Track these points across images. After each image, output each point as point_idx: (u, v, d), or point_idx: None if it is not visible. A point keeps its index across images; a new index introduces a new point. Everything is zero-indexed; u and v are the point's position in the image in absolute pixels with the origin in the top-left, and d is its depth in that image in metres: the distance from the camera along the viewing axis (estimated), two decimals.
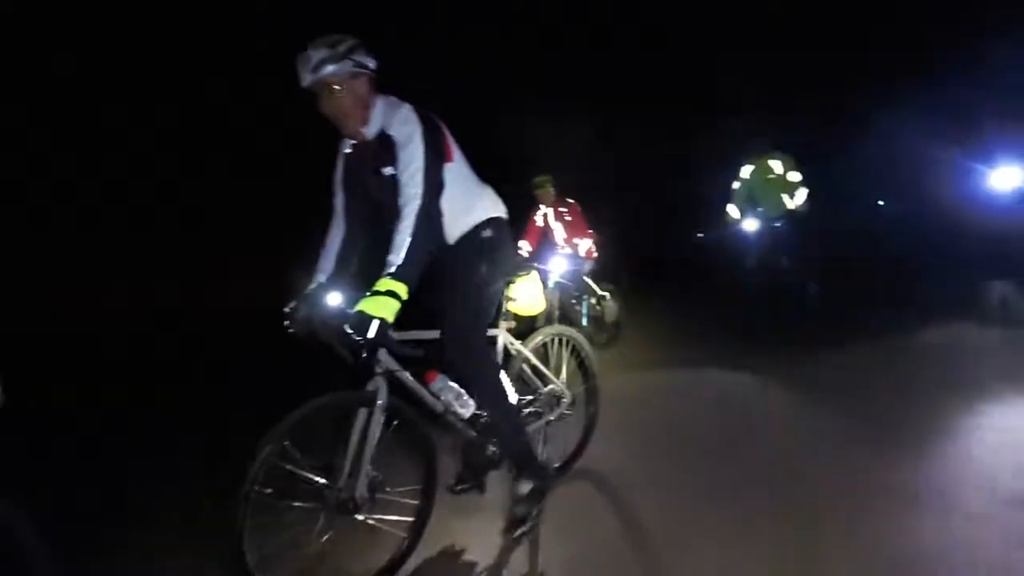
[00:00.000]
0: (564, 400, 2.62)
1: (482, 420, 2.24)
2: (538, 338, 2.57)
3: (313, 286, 2.10)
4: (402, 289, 1.78)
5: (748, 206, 5.87)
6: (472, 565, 2.05)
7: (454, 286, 2.11)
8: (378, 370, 1.91)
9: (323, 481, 1.84)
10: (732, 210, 5.93)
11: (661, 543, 2.06)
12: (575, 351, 2.76)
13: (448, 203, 2.04)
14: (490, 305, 2.22)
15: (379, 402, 1.89)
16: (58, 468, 3.33)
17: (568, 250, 5.56)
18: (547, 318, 3.48)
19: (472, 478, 2.23)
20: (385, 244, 1.89)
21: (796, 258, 5.71)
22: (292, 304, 2.02)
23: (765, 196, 5.79)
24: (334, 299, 1.98)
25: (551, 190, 5.57)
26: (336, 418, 1.88)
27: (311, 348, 2.00)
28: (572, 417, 2.66)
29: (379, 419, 1.88)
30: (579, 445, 2.72)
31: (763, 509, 2.19)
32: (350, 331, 1.73)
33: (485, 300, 2.17)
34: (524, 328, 2.61)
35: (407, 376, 2.01)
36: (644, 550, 2.06)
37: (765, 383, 3.92)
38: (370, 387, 1.90)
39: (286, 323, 2.03)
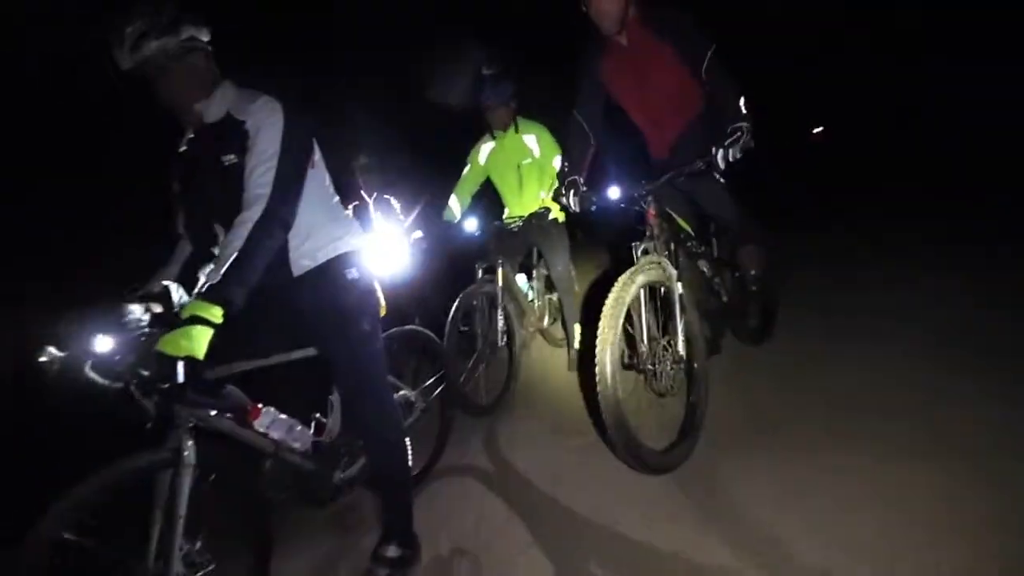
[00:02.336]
0: (416, 405, 2.44)
1: (326, 444, 1.99)
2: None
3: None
4: (216, 313, 1.44)
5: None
6: None
7: (339, 339, 1.83)
8: (181, 422, 1.55)
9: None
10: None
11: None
12: (423, 350, 2.59)
13: (301, 220, 1.71)
14: (381, 352, 1.96)
15: (185, 458, 1.54)
16: None
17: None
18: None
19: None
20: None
21: None
22: (47, 354, 1.51)
23: None
24: (103, 344, 1.51)
25: None
26: (134, 487, 1.50)
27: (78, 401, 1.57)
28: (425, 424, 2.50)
29: (187, 480, 1.54)
30: (435, 451, 2.58)
31: None
32: (150, 377, 1.39)
33: (374, 352, 1.92)
34: None
35: (224, 420, 1.68)
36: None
37: None
38: (171, 443, 1.54)
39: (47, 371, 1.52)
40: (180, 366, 1.37)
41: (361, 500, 2.31)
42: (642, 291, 2.14)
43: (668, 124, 2.58)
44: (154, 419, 1.54)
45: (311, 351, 1.93)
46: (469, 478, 2.49)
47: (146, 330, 1.53)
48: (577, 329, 3.45)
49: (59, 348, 1.51)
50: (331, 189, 1.92)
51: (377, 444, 1.95)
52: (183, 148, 1.82)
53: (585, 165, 2.54)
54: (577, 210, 2.44)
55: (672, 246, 2.32)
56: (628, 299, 2.02)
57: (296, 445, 1.89)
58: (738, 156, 2.08)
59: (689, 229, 2.60)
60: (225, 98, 1.72)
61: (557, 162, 3.31)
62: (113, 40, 1.58)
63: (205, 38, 1.72)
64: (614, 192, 2.38)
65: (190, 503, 1.54)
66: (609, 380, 1.91)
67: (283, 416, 1.85)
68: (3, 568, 1.32)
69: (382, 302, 2.12)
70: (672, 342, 2.19)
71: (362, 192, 3.84)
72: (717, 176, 2.47)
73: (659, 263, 2.20)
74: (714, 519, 1.82)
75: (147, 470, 1.52)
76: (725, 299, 2.78)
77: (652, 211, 2.29)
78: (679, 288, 2.20)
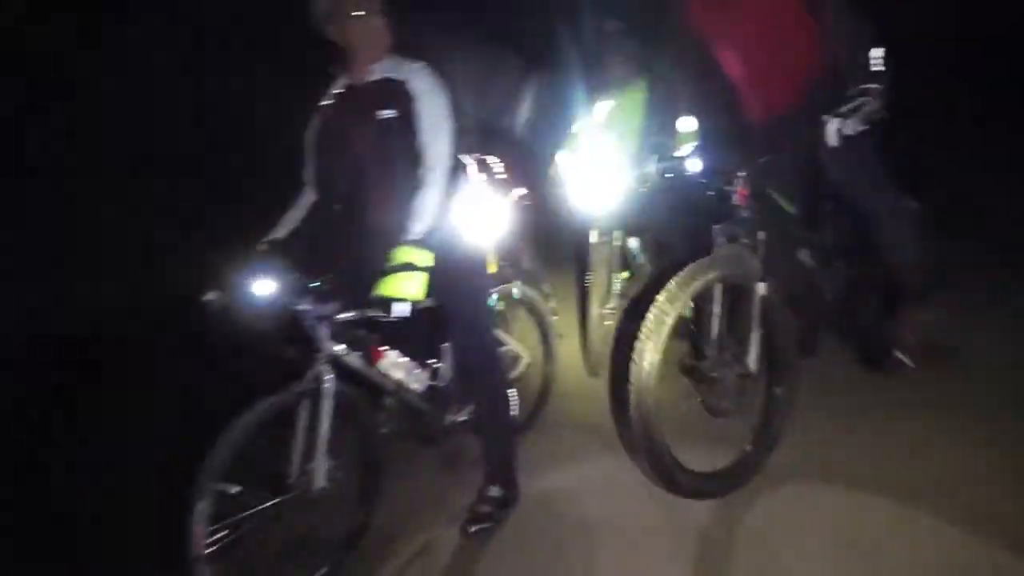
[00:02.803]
0: (521, 360, 2.58)
1: (439, 388, 2.18)
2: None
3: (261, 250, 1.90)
4: (426, 258, 1.70)
5: None
6: (423, 551, 2.02)
7: (452, 293, 1.98)
8: (321, 357, 1.78)
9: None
10: None
11: None
12: (531, 307, 2.70)
13: None
14: (486, 301, 2.13)
15: (325, 389, 1.78)
16: None
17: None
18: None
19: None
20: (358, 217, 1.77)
21: None
22: (214, 294, 1.80)
23: None
24: (264, 287, 1.75)
25: None
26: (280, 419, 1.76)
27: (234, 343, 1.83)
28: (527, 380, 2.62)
29: (328, 408, 1.78)
30: (536, 405, 2.72)
31: None
32: (382, 316, 1.67)
33: (482, 305, 2.08)
34: None
35: (353, 359, 1.89)
36: None
37: None
38: (311, 377, 1.78)
39: (210, 313, 1.81)
40: (404, 308, 1.64)
41: (471, 444, 2.48)
42: (716, 287, 1.83)
43: (773, 80, 2.07)
44: (297, 356, 1.79)
45: (429, 302, 2.11)
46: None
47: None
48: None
49: (222, 291, 1.79)
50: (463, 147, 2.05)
51: (483, 392, 2.10)
52: (327, 102, 1.97)
53: (670, 126, 2.24)
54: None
55: (764, 233, 1.92)
56: (690, 293, 1.75)
57: (413, 386, 2.09)
58: (859, 129, 1.71)
59: (791, 209, 2.14)
60: (385, 64, 1.88)
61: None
62: None
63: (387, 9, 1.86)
64: (694, 164, 1.90)
65: (329, 430, 1.78)
66: (644, 383, 1.69)
67: (403, 359, 2.05)
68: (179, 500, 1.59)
69: (491, 260, 2.26)
70: (743, 352, 1.86)
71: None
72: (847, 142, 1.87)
73: (740, 255, 1.87)
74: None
75: (294, 400, 1.77)
76: (830, 297, 2.35)
77: (743, 191, 1.87)
78: (762, 289, 1.86)
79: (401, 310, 1.67)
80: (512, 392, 2.17)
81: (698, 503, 1.88)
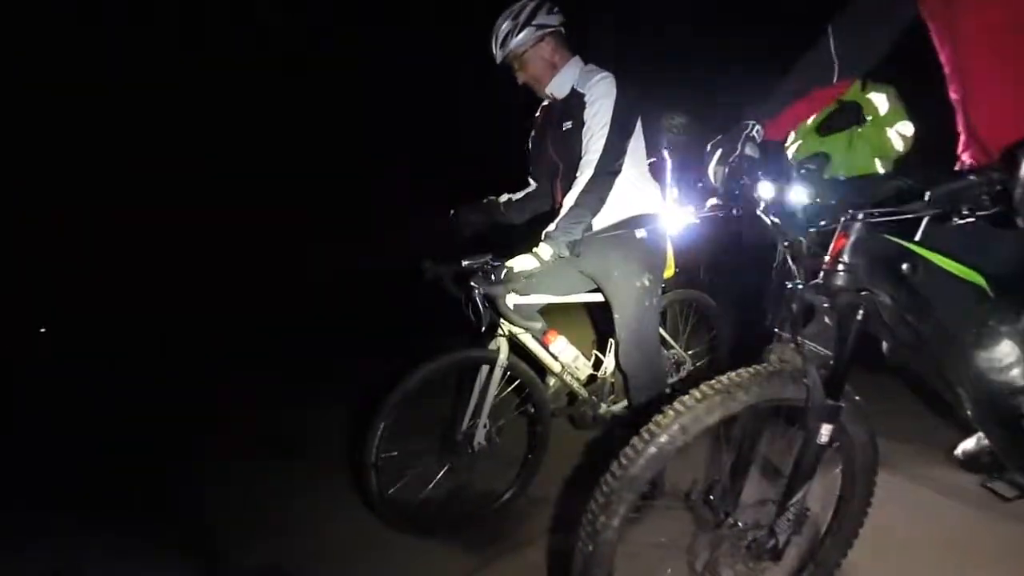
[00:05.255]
0: (684, 366, 2.57)
1: (600, 378, 2.28)
2: (663, 301, 2.49)
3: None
4: (545, 252, 1.84)
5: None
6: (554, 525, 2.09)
7: (621, 290, 2.08)
8: (501, 332, 1.98)
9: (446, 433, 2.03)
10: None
11: None
12: (701, 315, 2.66)
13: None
14: (657, 308, 2.15)
15: (500, 359, 1.98)
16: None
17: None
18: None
19: None
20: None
21: None
22: (428, 263, 2.09)
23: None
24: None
25: None
26: (460, 373, 2.02)
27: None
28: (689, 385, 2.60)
29: (498, 377, 1.98)
30: None
31: None
32: (483, 276, 1.87)
33: (651, 307, 2.10)
34: None
35: (528, 338, 2.07)
36: None
37: None
38: (492, 346, 1.99)
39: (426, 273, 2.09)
40: (503, 271, 1.82)
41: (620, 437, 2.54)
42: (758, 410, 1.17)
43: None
44: (483, 325, 2.00)
45: (599, 296, 2.20)
46: None
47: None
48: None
49: (432, 264, 2.07)
50: (643, 155, 2.10)
51: (638, 390, 2.14)
52: (537, 115, 2.24)
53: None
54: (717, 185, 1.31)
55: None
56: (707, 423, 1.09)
57: (577, 372, 2.21)
58: None
59: (983, 283, 1.16)
60: (572, 75, 2.02)
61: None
62: (491, 38, 1.99)
63: (555, 21, 2.00)
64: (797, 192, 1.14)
65: (496, 396, 1.99)
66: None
67: (571, 346, 2.18)
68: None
69: (671, 262, 2.27)
70: (792, 504, 1.17)
71: (664, 150, 3.92)
72: None
73: (798, 366, 1.12)
74: None
75: (472, 363, 2.00)
76: None
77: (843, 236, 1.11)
78: (826, 434, 1.13)
79: (489, 289, 1.84)
80: (666, 395, 2.17)
81: None
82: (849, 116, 2.97)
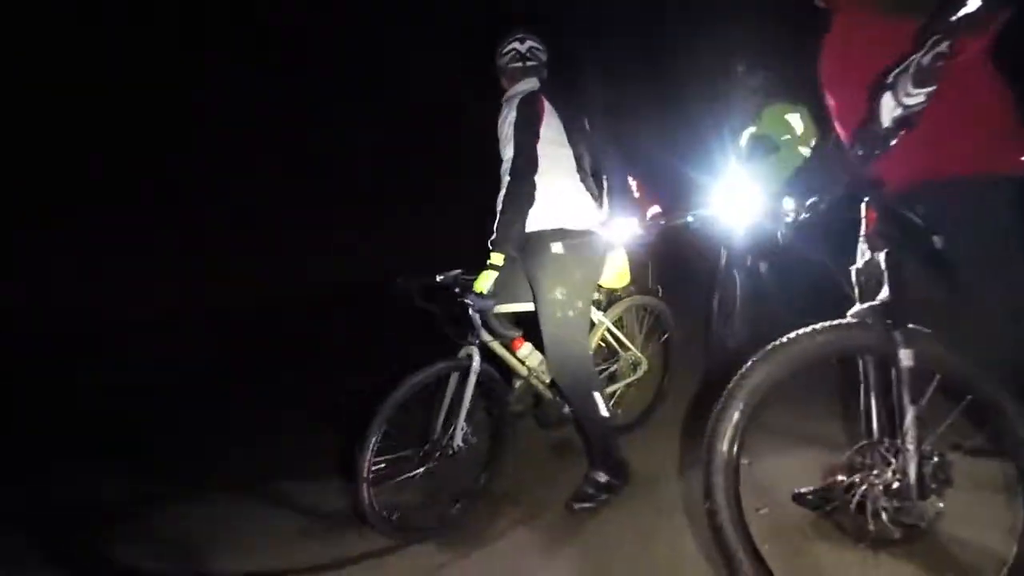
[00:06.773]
0: (641, 366, 2.78)
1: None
2: (620, 308, 2.70)
3: None
4: (497, 258, 2.06)
5: None
6: (528, 517, 2.24)
7: (536, 300, 2.21)
8: (472, 339, 2.15)
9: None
10: None
11: None
12: (656, 319, 2.88)
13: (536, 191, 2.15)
14: (579, 318, 2.23)
15: (472, 366, 2.14)
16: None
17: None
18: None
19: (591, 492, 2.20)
20: None
21: None
22: (402, 277, 2.23)
23: None
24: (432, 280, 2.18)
25: None
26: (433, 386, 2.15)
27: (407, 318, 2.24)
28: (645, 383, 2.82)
29: (473, 382, 2.14)
30: (650, 406, 2.91)
31: None
32: (473, 293, 2.07)
33: (572, 320, 2.19)
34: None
35: (498, 345, 2.24)
36: None
37: None
38: (464, 355, 2.15)
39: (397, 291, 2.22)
40: (473, 297, 2.02)
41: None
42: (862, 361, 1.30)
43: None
44: (453, 335, 2.17)
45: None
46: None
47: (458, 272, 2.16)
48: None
49: (404, 279, 2.22)
50: (570, 168, 2.22)
51: (569, 393, 2.28)
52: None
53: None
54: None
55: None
56: (790, 367, 1.27)
57: (542, 375, 2.39)
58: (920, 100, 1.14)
59: None
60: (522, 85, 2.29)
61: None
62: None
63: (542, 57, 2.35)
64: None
65: (470, 402, 2.15)
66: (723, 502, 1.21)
67: (536, 351, 2.37)
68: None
69: (625, 271, 2.48)
70: (898, 449, 1.24)
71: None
72: None
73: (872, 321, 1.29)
74: None
75: (447, 372, 2.15)
76: None
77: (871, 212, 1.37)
78: (907, 358, 1.25)
79: (480, 304, 2.09)
80: (595, 394, 2.25)
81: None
82: (766, 145, 3.29)
